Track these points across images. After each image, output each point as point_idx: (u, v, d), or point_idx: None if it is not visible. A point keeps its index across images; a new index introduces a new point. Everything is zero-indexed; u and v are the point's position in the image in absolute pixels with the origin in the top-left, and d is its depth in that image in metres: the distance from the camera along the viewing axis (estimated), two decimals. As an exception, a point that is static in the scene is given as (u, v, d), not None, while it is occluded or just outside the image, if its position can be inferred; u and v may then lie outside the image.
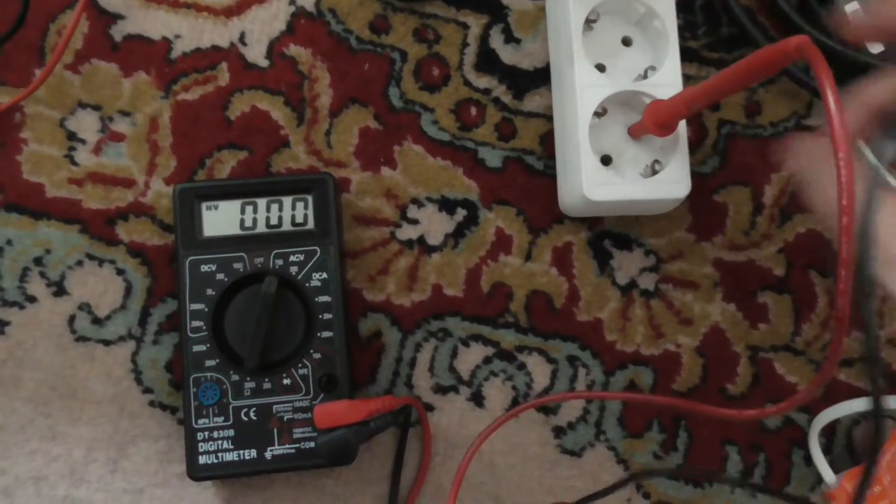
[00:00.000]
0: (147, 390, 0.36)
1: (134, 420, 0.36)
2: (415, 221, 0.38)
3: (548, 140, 0.38)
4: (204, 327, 0.33)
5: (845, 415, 0.36)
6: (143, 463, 0.36)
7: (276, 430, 0.33)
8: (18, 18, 0.36)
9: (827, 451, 0.38)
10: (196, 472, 0.32)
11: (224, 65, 0.38)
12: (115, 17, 0.37)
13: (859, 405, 0.35)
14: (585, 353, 0.38)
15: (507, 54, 0.39)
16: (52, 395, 0.36)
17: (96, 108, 0.37)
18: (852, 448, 0.38)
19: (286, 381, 0.33)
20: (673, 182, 0.35)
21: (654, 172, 0.35)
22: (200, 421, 0.33)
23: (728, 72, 0.28)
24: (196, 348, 0.33)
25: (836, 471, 0.36)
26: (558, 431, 0.37)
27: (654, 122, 0.34)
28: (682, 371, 0.38)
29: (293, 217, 0.34)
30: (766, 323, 0.39)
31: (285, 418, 0.33)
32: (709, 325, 0.38)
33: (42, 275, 0.36)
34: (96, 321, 0.36)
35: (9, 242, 0.36)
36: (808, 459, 0.37)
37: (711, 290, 0.39)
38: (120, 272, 0.36)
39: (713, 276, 0.39)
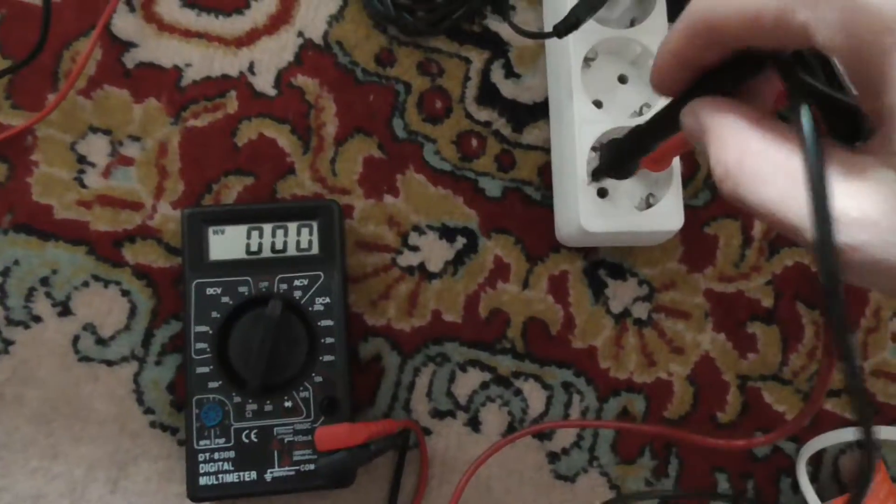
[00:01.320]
0: (148, 411, 0.36)
1: (135, 440, 0.36)
2: (416, 248, 0.39)
3: (546, 171, 0.40)
4: (208, 349, 0.34)
5: (832, 444, 0.37)
6: (144, 483, 0.36)
7: (276, 452, 0.33)
8: (37, 45, 0.37)
9: (814, 479, 0.38)
10: (196, 493, 0.33)
11: (233, 93, 0.39)
12: (128, 45, 0.39)
13: (846, 435, 0.36)
14: (580, 379, 0.39)
15: (507, 88, 0.40)
16: (54, 414, 0.36)
17: (107, 132, 0.38)
18: (839, 477, 0.39)
19: (288, 404, 0.34)
20: (666, 215, 0.36)
21: (649, 205, 0.37)
22: (202, 442, 0.33)
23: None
24: (200, 370, 0.34)
25: (823, 499, 0.37)
26: (553, 457, 0.38)
27: (649, 157, 0.35)
28: (673, 399, 0.39)
29: (298, 242, 0.35)
30: (755, 353, 0.40)
31: (286, 440, 0.33)
32: (700, 354, 0.39)
33: (48, 295, 0.37)
34: (100, 341, 0.37)
35: (16, 262, 0.37)
36: (796, 487, 0.38)
37: (702, 319, 0.40)
38: (125, 293, 0.37)
39: (704, 307, 0.40)
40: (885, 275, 0.15)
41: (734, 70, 0.18)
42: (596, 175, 0.35)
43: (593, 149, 0.36)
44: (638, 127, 0.29)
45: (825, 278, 0.15)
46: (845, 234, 0.15)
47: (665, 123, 0.25)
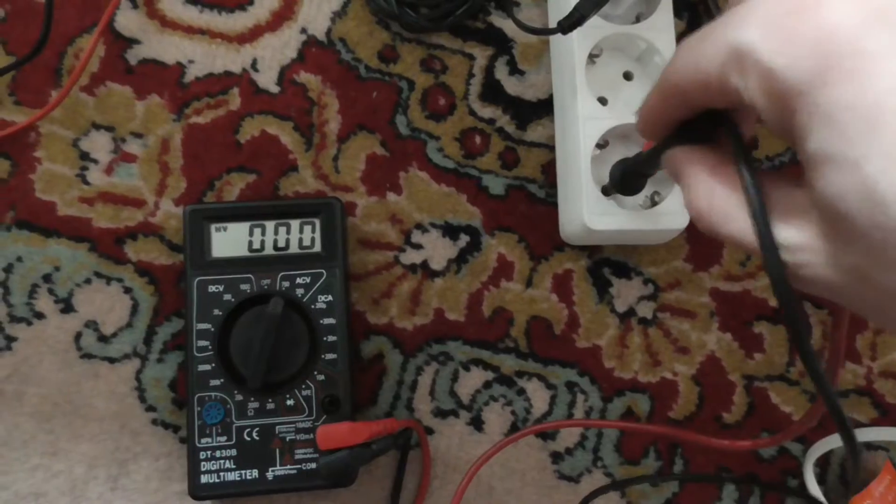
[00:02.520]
0: (150, 408, 0.36)
1: (136, 438, 0.36)
2: (419, 246, 0.38)
3: (550, 169, 0.39)
4: (210, 347, 0.33)
5: (840, 446, 0.37)
6: (144, 481, 0.36)
7: (278, 451, 0.33)
8: (39, 41, 0.37)
9: (821, 481, 0.38)
10: (197, 492, 0.33)
11: (236, 90, 0.39)
12: (131, 42, 0.39)
13: (856, 437, 0.36)
14: (584, 379, 0.38)
15: (511, 85, 0.40)
16: (55, 411, 0.36)
17: (109, 129, 0.38)
18: (846, 479, 0.38)
19: (289, 402, 0.34)
20: (671, 213, 0.36)
21: (654, 203, 0.36)
22: (203, 440, 0.33)
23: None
24: (201, 367, 0.33)
25: (831, 501, 0.36)
26: (556, 457, 0.38)
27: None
28: (678, 399, 0.39)
29: (300, 240, 0.35)
30: (762, 353, 0.39)
31: (287, 439, 0.33)
32: (705, 354, 0.39)
33: (50, 291, 0.37)
34: (102, 338, 0.37)
35: (19, 259, 0.37)
36: (803, 488, 0.38)
37: (708, 319, 0.39)
38: (127, 290, 0.37)
39: (710, 306, 0.39)
40: (828, 287, 0.18)
41: (701, 123, 0.22)
42: (606, 191, 0.36)
43: (598, 146, 0.36)
44: (635, 159, 0.32)
45: (776, 290, 0.19)
46: (792, 256, 0.19)
47: (653, 162, 0.29)
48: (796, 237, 0.18)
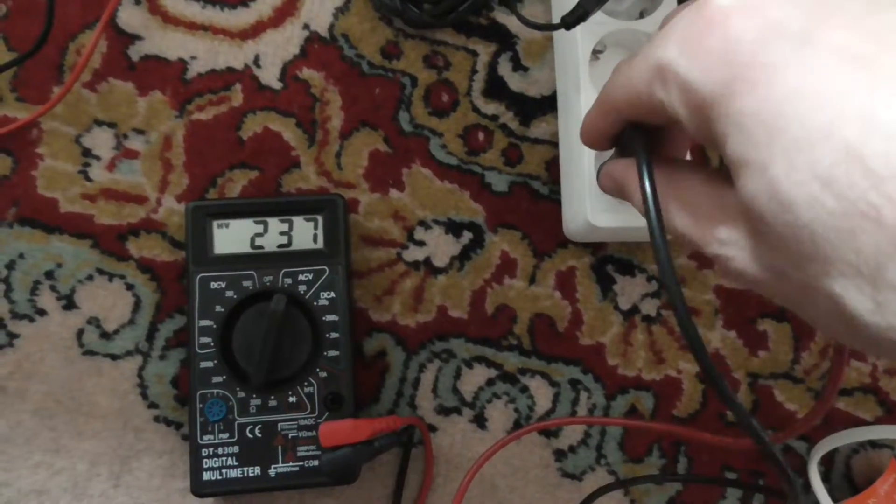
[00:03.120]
0: (152, 405, 0.36)
1: (138, 435, 0.36)
2: (421, 243, 0.38)
3: (553, 166, 0.39)
4: (212, 344, 0.33)
5: (845, 444, 0.37)
6: (146, 478, 0.36)
7: (280, 448, 0.33)
8: (41, 37, 0.37)
9: (825, 479, 0.38)
10: (199, 489, 0.33)
11: (238, 86, 0.39)
12: (133, 38, 0.38)
13: (859, 434, 0.36)
14: (587, 376, 0.38)
15: (514, 82, 0.40)
16: (57, 408, 0.36)
17: (111, 125, 0.38)
18: (851, 477, 0.38)
19: (292, 399, 0.33)
20: (676, 210, 0.35)
21: (658, 200, 0.36)
22: (206, 437, 0.33)
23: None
24: (203, 364, 0.33)
25: (835, 500, 0.36)
26: (559, 455, 0.38)
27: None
28: (682, 396, 0.38)
29: (303, 237, 0.35)
30: (766, 350, 0.39)
31: (290, 436, 0.33)
32: (709, 352, 0.39)
33: (52, 288, 0.37)
34: (104, 335, 0.37)
35: (21, 256, 0.37)
36: (807, 487, 0.37)
37: (712, 316, 0.39)
38: (129, 287, 0.37)
39: (714, 303, 0.39)
40: (754, 281, 0.19)
41: (631, 135, 0.24)
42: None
43: (602, 142, 0.36)
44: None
45: (662, 276, 0.20)
46: (722, 250, 0.20)
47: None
48: (725, 233, 0.20)
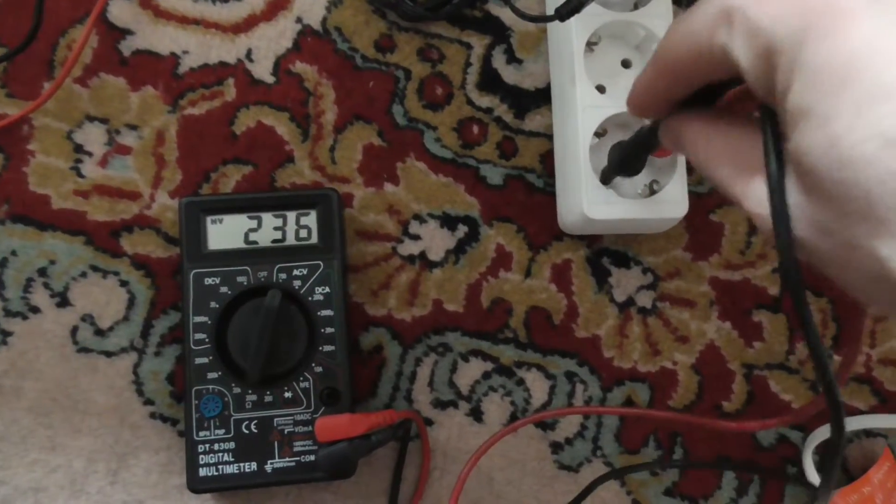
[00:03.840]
0: (148, 402, 0.36)
1: (134, 431, 0.36)
2: (416, 237, 0.38)
3: (548, 158, 0.39)
4: (207, 340, 0.33)
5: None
6: (143, 475, 0.36)
7: (276, 443, 0.33)
8: (31, 32, 0.36)
9: (820, 468, 0.38)
10: (196, 485, 0.33)
11: (231, 80, 0.38)
12: (125, 33, 0.38)
13: (854, 423, 0.36)
14: (583, 369, 0.38)
15: (509, 74, 0.40)
16: (53, 405, 0.36)
17: (104, 121, 0.38)
18: (846, 466, 0.39)
19: (287, 395, 0.33)
20: (671, 202, 0.35)
21: (653, 192, 0.36)
22: (202, 433, 0.33)
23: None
24: (199, 360, 0.33)
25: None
26: (556, 447, 0.38)
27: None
28: (678, 388, 0.39)
29: (297, 232, 0.35)
30: (761, 341, 0.39)
31: (286, 431, 0.33)
32: (705, 343, 0.39)
33: (46, 286, 0.36)
34: (99, 332, 0.36)
35: (13, 253, 0.36)
36: (802, 475, 0.38)
37: (707, 308, 0.39)
38: (123, 284, 0.37)
39: (709, 295, 0.39)
40: (797, 239, 0.18)
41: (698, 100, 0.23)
42: (605, 177, 0.35)
43: (596, 134, 0.36)
44: (636, 134, 0.31)
45: (779, 247, 0.19)
46: (762, 206, 0.19)
47: (655, 134, 0.28)
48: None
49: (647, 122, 0.30)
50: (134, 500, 0.36)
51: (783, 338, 0.39)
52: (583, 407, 0.38)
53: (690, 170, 0.39)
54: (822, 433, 0.36)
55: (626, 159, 0.33)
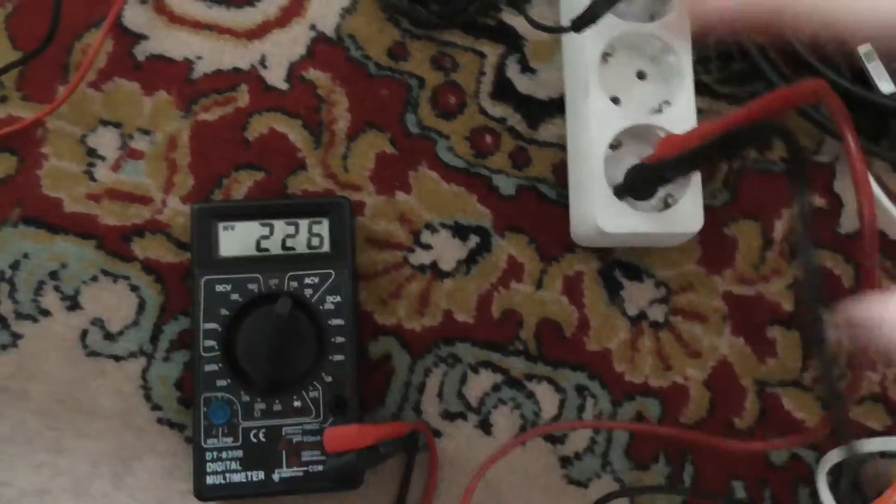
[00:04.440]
0: (156, 407, 0.36)
1: (141, 436, 0.36)
2: (428, 247, 0.38)
3: (561, 169, 0.39)
4: (216, 347, 0.33)
5: (855, 455, 0.36)
6: (148, 480, 0.36)
7: (284, 453, 0.33)
8: (47, 36, 0.36)
9: (833, 488, 0.37)
10: (204, 493, 0.32)
11: (244, 87, 0.38)
12: (139, 38, 0.38)
13: (870, 446, 0.35)
14: (594, 382, 0.38)
15: (522, 84, 0.39)
16: (60, 408, 0.36)
17: (117, 125, 0.38)
18: (860, 486, 0.38)
19: (296, 404, 0.33)
20: (685, 216, 0.35)
21: (667, 206, 0.36)
22: (209, 441, 0.33)
23: (743, 111, 0.28)
24: (208, 367, 0.33)
25: (843, 510, 0.36)
26: (565, 461, 0.37)
27: (668, 155, 0.34)
28: (689, 404, 0.38)
29: (309, 240, 0.35)
30: (775, 358, 0.39)
31: (294, 440, 0.33)
32: (717, 359, 0.38)
33: (57, 289, 0.36)
34: (108, 336, 0.36)
35: (25, 256, 0.36)
36: (814, 496, 0.37)
37: (720, 323, 0.39)
38: (134, 288, 0.37)
39: (722, 310, 0.39)
40: None
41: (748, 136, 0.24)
42: (619, 193, 0.35)
43: (610, 146, 0.36)
44: (657, 164, 0.31)
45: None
46: None
47: (678, 168, 0.29)
48: None
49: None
50: (139, 506, 0.35)
51: (797, 355, 0.39)
52: (592, 421, 0.37)
53: (705, 183, 0.39)
54: (836, 455, 0.36)
55: (641, 183, 0.33)
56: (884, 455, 0.38)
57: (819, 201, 0.40)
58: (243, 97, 0.38)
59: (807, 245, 0.18)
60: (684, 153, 0.30)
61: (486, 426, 0.37)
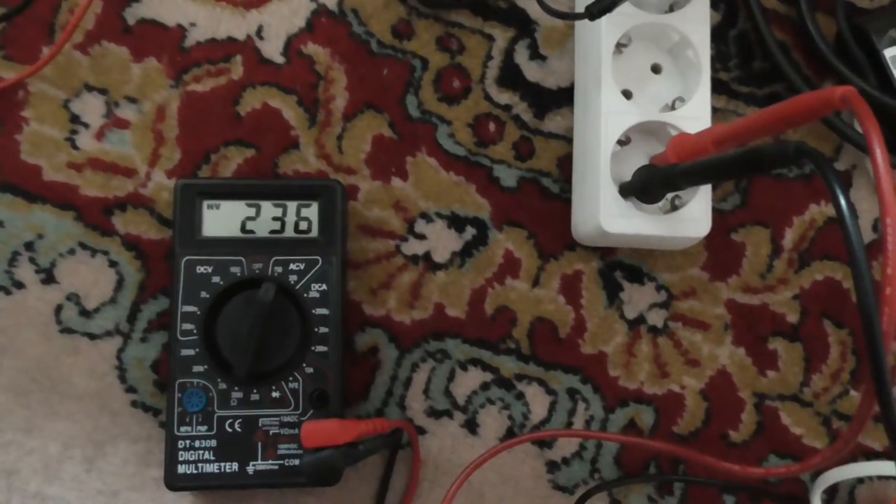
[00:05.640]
0: (130, 389, 0.35)
1: (114, 419, 0.34)
2: (422, 236, 0.36)
3: (566, 163, 0.37)
4: (195, 331, 0.32)
5: (850, 478, 0.35)
6: (121, 464, 0.34)
7: (260, 444, 0.32)
8: (29, -7, 0.35)
9: (827, 508, 0.36)
10: (174, 482, 0.31)
11: (238, 58, 0.36)
12: None
13: (867, 469, 0.34)
14: (586, 386, 0.37)
15: (531, 71, 0.38)
16: (32, 385, 0.34)
17: (103, 91, 0.36)
18: (854, 508, 0.37)
19: (275, 394, 0.32)
20: (693, 220, 0.34)
21: (674, 208, 0.34)
22: (183, 428, 0.31)
23: (763, 115, 0.27)
24: (184, 352, 0.32)
25: (836, 531, 0.35)
26: (552, 466, 0.36)
27: (679, 155, 0.32)
28: (684, 413, 0.37)
29: (297, 223, 0.33)
30: (775, 370, 0.37)
31: (271, 432, 0.32)
32: (716, 368, 0.37)
33: (32, 260, 0.35)
34: (84, 313, 0.35)
35: (0, 224, 0.35)
36: (807, 516, 0.36)
37: (722, 331, 0.37)
38: (112, 264, 0.35)
39: (724, 318, 0.37)
40: None
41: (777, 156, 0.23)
42: (624, 192, 0.33)
43: (619, 142, 0.34)
44: (667, 171, 0.30)
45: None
46: None
47: (690, 179, 0.28)
48: None
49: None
50: (109, 490, 0.34)
51: (798, 368, 0.37)
52: (581, 430, 0.36)
53: (715, 186, 0.37)
54: (833, 476, 0.35)
55: (649, 188, 0.31)
56: (880, 476, 0.37)
57: (832, 211, 0.38)
58: (237, 69, 0.36)
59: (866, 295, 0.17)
60: (699, 165, 0.29)
61: (472, 426, 0.36)
